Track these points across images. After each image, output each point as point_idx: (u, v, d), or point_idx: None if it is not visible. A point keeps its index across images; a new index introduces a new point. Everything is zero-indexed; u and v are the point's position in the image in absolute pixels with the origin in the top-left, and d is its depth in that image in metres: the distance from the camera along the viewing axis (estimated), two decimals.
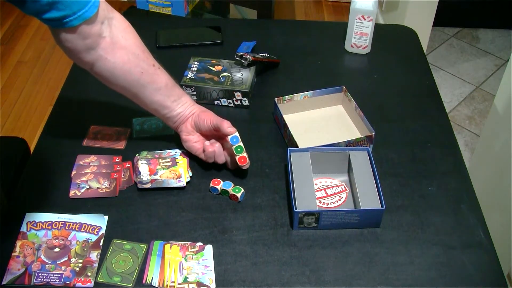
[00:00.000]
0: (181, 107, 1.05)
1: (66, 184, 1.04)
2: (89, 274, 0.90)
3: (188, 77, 1.23)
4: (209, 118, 1.04)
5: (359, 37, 1.36)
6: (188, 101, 1.06)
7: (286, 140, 1.14)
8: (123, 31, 0.96)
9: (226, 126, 1.02)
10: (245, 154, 1.02)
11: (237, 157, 1.02)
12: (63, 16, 0.85)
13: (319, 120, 1.20)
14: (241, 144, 1.01)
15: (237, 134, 1.02)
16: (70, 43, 0.91)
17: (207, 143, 1.05)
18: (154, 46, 1.39)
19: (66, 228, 0.96)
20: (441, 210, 1.02)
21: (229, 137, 1.02)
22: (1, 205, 1.07)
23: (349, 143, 1.08)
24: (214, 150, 1.03)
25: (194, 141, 1.06)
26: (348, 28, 1.37)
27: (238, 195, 1.01)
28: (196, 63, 1.28)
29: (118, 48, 0.95)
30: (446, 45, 2.91)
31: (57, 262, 0.92)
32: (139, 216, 0.99)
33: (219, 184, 1.03)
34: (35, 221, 0.97)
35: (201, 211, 1.01)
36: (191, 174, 1.05)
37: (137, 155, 1.07)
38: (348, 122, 1.19)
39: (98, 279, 0.89)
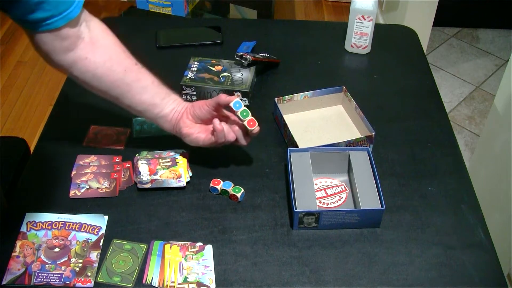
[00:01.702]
0: (173, 103, 1.02)
1: (66, 184, 1.04)
2: (89, 274, 0.90)
3: (188, 77, 1.23)
4: (204, 102, 1.00)
5: (359, 37, 1.36)
6: (177, 98, 1.03)
7: (286, 140, 1.14)
8: (102, 32, 0.96)
9: (224, 96, 0.98)
10: (252, 117, 0.98)
11: (245, 122, 0.98)
12: (48, 16, 0.84)
13: (319, 120, 1.20)
14: (245, 107, 0.98)
15: (238, 99, 0.98)
16: (48, 45, 0.89)
17: (216, 120, 1.00)
18: (154, 46, 1.39)
19: (66, 228, 0.96)
20: (441, 210, 1.02)
21: (232, 103, 0.98)
22: (1, 205, 1.07)
23: (349, 143, 1.08)
24: (222, 128, 0.99)
25: (197, 133, 1.02)
26: (348, 28, 1.37)
27: (238, 195, 1.01)
28: (196, 63, 1.28)
29: (98, 47, 0.94)
30: (446, 45, 2.91)
31: (57, 262, 0.92)
32: (139, 216, 0.99)
33: (219, 184, 1.03)
34: (35, 221, 0.97)
35: (201, 211, 1.01)
36: (191, 174, 1.05)
37: (137, 155, 1.07)
38: (348, 122, 1.19)
39: (98, 279, 0.89)
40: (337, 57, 1.39)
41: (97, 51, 0.94)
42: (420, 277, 0.91)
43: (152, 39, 1.40)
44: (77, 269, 0.91)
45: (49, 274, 0.90)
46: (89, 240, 0.95)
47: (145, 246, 0.94)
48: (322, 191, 1.04)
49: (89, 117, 1.19)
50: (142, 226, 0.98)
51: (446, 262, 0.93)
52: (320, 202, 1.02)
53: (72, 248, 0.94)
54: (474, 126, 2.45)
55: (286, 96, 1.18)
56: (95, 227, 0.97)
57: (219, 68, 1.27)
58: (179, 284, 0.89)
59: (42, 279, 0.89)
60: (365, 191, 0.99)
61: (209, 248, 0.94)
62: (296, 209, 0.95)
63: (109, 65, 0.95)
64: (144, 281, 0.89)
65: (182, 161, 1.05)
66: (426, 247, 0.96)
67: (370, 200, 0.98)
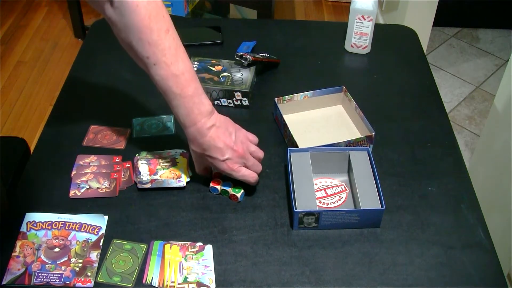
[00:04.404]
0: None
1: (66, 184, 1.04)
2: (89, 274, 0.90)
3: None
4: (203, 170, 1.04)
5: (359, 37, 1.36)
6: (183, 122, 0.96)
7: (286, 140, 1.14)
8: (134, 9, 0.88)
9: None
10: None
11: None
12: None
13: (319, 120, 1.20)
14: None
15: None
16: (91, 3, 0.93)
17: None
18: None
19: (66, 228, 0.96)
20: (441, 210, 1.02)
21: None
22: (1, 205, 1.07)
23: (349, 143, 1.08)
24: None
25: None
26: (348, 28, 1.37)
27: (238, 195, 1.01)
28: (196, 63, 1.28)
29: (123, 25, 0.90)
30: (446, 45, 2.91)
31: (57, 262, 0.92)
32: (139, 216, 0.99)
33: (219, 184, 1.03)
34: (35, 221, 0.97)
35: (201, 211, 1.01)
36: (191, 174, 1.05)
37: (137, 155, 1.07)
38: (348, 122, 1.19)
39: (98, 279, 0.89)
40: (337, 57, 1.39)
41: (121, 29, 0.91)
42: (420, 277, 0.91)
43: None
44: (77, 269, 0.91)
45: (49, 274, 0.90)
46: (89, 240, 0.95)
47: (145, 246, 0.94)
48: (322, 191, 1.04)
49: (89, 117, 1.19)
50: (142, 226, 0.98)
51: (446, 262, 0.93)
52: (320, 202, 1.02)
53: (72, 248, 0.94)
54: (474, 126, 2.45)
55: (286, 96, 1.18)
56: (95, 227, 0.97)
57: (219, 68, 1.27)
58: (179, 284, 0.89)
59: (42, 279, 0.89)
60: (365, 191, 0.99)
61: (209, 248, 0.94)
62: (296, 209, 0.95)
63: (128, 49, 0.94)
64: (144, 281, 0.89)
65: (182, 161, 1.05)
66: (426, 247, 0.96)
67: (370, 200, 0.98)
